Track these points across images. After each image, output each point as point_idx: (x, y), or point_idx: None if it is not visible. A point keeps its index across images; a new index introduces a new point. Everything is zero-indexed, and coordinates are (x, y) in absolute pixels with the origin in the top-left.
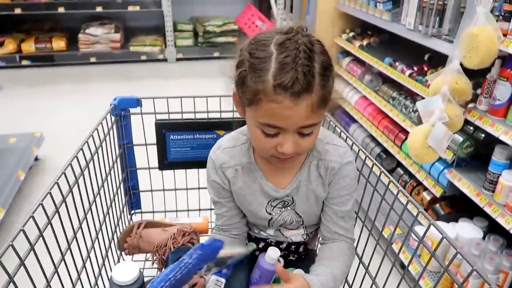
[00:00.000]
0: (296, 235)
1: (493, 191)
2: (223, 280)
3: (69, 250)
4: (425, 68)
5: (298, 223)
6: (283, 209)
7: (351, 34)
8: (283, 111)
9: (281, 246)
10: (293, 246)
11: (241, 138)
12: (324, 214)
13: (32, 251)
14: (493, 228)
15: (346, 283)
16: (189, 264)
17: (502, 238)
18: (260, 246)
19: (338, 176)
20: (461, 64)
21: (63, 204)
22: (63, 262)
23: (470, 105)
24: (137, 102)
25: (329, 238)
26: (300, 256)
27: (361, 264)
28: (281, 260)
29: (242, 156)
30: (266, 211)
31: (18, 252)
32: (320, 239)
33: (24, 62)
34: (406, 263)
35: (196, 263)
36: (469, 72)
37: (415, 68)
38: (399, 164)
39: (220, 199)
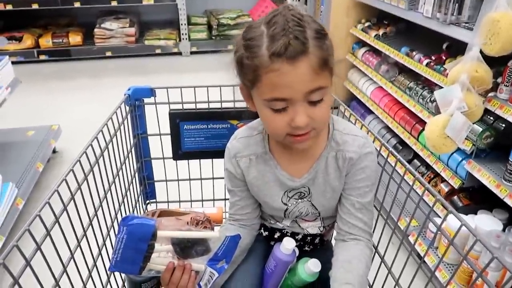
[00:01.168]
0: (313, 227)
1: None
2: (216, 274)
3: (84, 237)
4: (443, 57)
5: (314, 215)
6: (299, 200)
7: (367, 24)
8: (282, 78)
9: (296, 237)
10: (309, 238)
11: (256, 129)
12: (341, 206)
13: (48, 237)
14: None
15: None
16: (122, 239)
17: None
18: (276, 236)
19: (356, 168)
20: (481, 52)
21: (79, 191)
22: (79, 248)
23: (490, 94)
24: (151, 92)
25: (346, 232)
26: (316, 247)
27: (376, 254)
28: (296, 250)
29: (257, 146)
30: (282, 201)
31: (35, 236)
32: (336, 232)
33: (42, 57)
34: (422, 255)
35: (130, 240)
36: (489, 60)
37: (433, 57)
38: (416, 156)
39: (233, 187)
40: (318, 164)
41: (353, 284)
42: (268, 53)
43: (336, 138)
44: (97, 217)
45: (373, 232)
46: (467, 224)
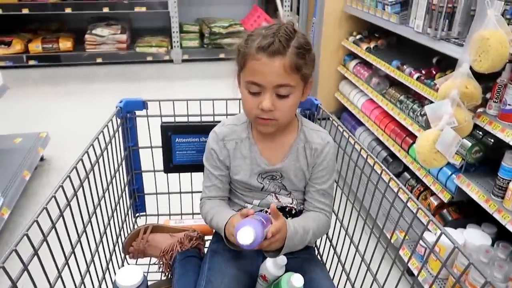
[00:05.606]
0: (288, 203)
1: (503, 198)
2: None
3: (73, 254)
4: (433, 72)
5: (285, 193)
6: (271, 180)
7: (358, 36)
8: (261, 67)
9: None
10: (287, 215)
11: (242, 119)
12: (307, 192)
13: (35, 256)
14: (501, 234)
15: None
16: None
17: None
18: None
19: (320, 158)
20: (470, 68)
21: (68, 207)
22: (66, 266)
23: (480, 110)
24: (143, 105)
25: (312, 211)
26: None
27: (368, 272)
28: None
29: (242, 132)
30: (258, 181)
31: (21, 255)
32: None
33: (31, 62)
34: (412, 269)
35: None
36: (478, 76)
37: (423, 72)
38: (406, 168)
39: (213, 170)
40: (290, 153)
41: (298, 223)
42: (256, 46)
43: (304, 132)
44: (86, 233)
45: (366, 249)
46: (460, 246)
